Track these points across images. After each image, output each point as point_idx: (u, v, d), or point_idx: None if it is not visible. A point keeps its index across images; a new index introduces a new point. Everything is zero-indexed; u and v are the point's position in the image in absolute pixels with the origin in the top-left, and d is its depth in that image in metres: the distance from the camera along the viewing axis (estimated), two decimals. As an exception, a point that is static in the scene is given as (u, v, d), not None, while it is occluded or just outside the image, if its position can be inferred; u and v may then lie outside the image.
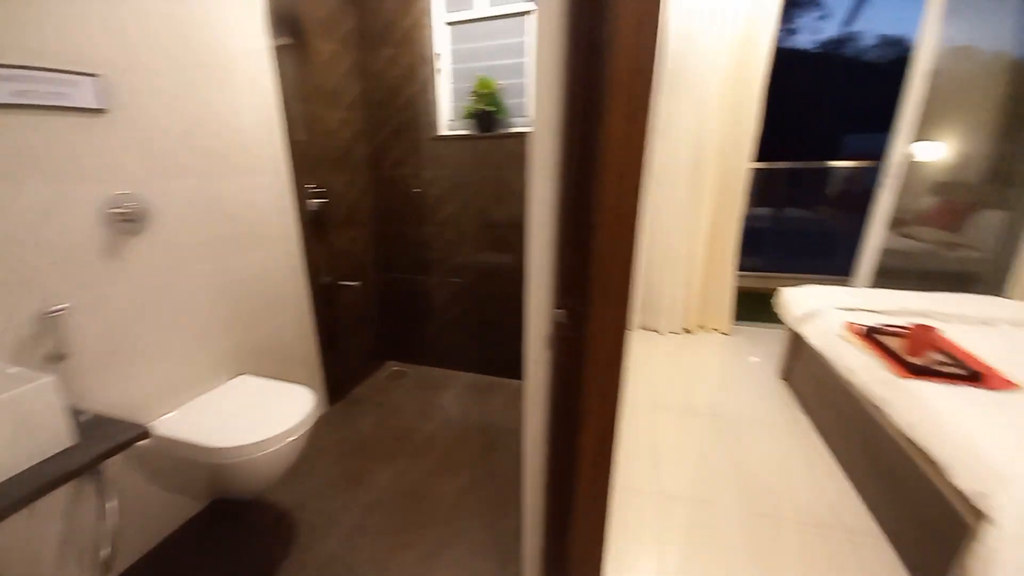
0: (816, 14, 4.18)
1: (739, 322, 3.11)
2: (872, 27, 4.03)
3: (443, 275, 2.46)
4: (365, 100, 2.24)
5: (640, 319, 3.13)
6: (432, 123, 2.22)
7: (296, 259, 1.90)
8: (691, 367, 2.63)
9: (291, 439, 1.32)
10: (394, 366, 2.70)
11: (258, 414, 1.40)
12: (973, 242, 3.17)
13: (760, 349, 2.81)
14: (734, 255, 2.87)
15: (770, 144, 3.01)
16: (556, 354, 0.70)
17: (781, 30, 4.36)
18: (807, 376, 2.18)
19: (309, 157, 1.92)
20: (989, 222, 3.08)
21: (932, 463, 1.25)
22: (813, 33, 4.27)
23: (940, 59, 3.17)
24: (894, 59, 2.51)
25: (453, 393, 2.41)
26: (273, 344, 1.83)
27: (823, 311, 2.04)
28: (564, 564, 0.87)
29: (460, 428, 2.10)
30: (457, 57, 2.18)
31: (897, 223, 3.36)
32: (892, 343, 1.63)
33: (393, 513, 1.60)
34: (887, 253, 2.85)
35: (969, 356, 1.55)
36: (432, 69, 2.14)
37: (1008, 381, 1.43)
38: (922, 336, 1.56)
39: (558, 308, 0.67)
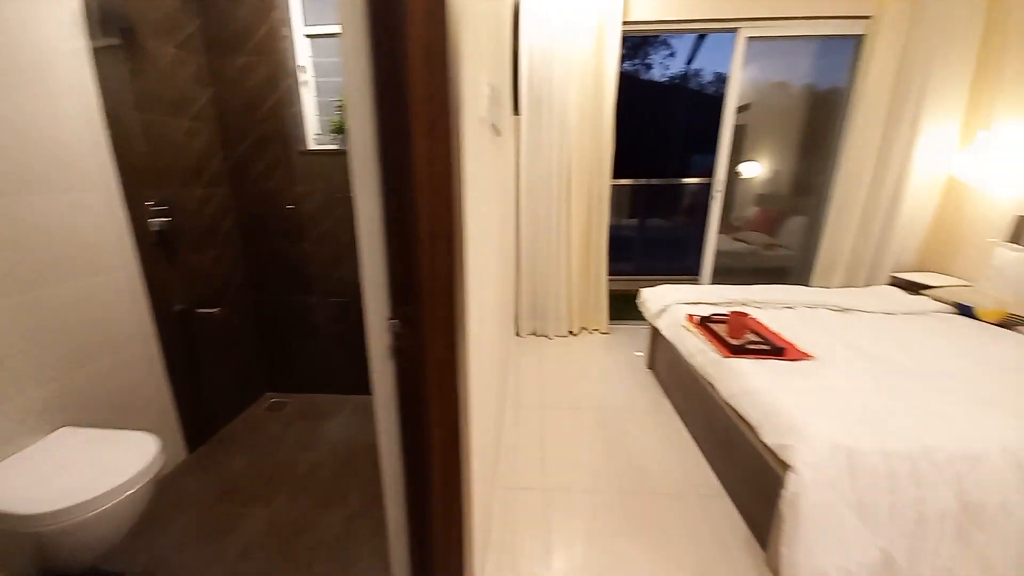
0: (665, 52, 4.84)
1: (615, 322, 3.42)
2: (709, 66, 4.77)
3: (324, 294, 2.34)
4: (218, 109, 2.07)
5: (531, 325, 3.29)
6: (300, 136, 2.13)
7: (137, 285, 1.68)
8: (574, 366, 2.83)
9: (126, 494, 1.16)
10: (273, 397, 2.49)
11: (82, 471, 1.20)
12: (785, 242, 3.91)
13: (634, 344, 3.12)
14: (605, 262, 3.18)
15: (633, 162, 3.40)
16: (398, 363, 0.73)
17: (638, 64, 4.99)
18: (665, 364, 2.48)
19: (151, 170, 1.72)
20: (795, 226, 3.83)
21: (749, 426, 1.50)
22: (663, 69, 4.94)
23: (761, 93, 3.88)
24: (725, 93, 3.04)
25: (340, 418, 2.29)
26: (110, 387, 1.58)
27: (671, 306, 2.36)
28: (428, 571, 0.89)
29: (346, 454, 2.00)
30: (322, 70, 2.12)
31: (732, 229, 4.02)
32: (719, 328, 1.94)
33: (270, 556, 1.47)
34: (726, 254, 3.38)
35: (775, 335, 1.91)
36: (296, 81, 2.05)
37: (803, 352, 1.77)
38: (738, 321, 1.89)
39: (393, 318, 0.70)
